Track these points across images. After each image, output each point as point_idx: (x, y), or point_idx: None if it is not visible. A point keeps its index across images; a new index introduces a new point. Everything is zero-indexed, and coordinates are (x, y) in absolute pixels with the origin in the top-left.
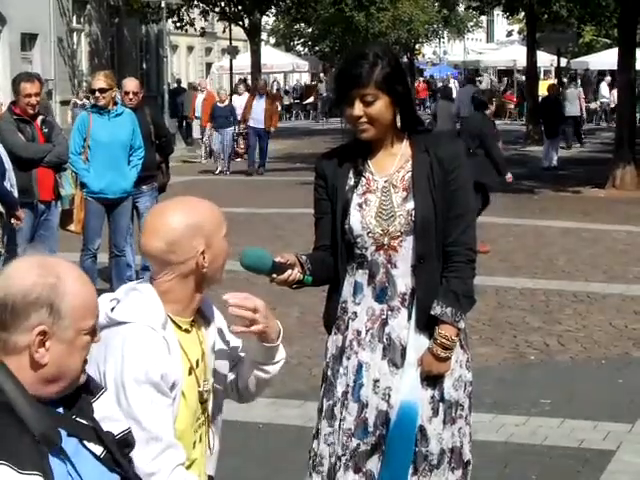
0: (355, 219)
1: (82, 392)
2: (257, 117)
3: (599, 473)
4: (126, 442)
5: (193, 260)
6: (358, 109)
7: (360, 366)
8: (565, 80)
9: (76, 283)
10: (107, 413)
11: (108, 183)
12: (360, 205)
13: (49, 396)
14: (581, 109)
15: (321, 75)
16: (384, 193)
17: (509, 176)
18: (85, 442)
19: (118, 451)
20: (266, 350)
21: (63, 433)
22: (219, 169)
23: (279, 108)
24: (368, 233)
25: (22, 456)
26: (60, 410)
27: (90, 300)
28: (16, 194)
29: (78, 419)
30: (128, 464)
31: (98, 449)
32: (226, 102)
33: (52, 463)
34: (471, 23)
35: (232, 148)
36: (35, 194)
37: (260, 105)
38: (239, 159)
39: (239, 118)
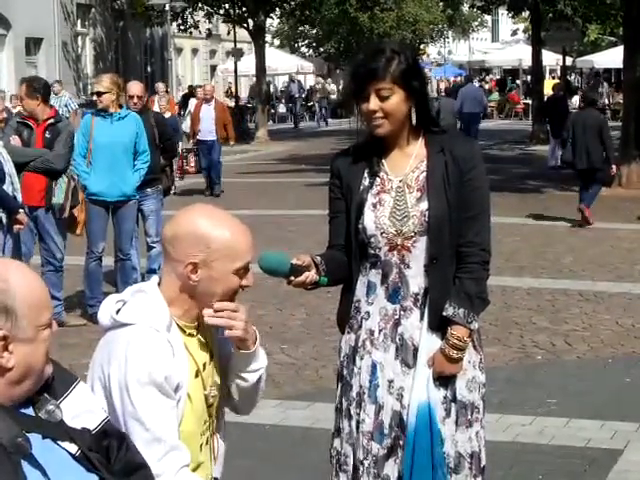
0: (369, 219)
1: (46, 392)
2: (206, 128)
3: (606, 473)
4: (105, 434)
5: (182, 265)
6: (374, 103)
7: (374, 366)
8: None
9: (25, 282)
10: (83, 406)
11: (107, 186)
12: (374, 205)
13: (18, 398)
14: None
15: (293, 75)
16: (398, 193)
17: (614, 168)
18: (59, 442)
19: (94, 448)
20: (243, 357)
21: (38, 436)
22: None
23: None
24: (382, 233)
25: None
26: (30, 411)
27: (41, 295)
28: (20, 198)
29: (49, 419)
30: (105, 459)
31: (73, 447)
32: (167, 114)
33: (26, 470)
34: (476, 23)
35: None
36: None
37: (209, 113)
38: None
39: (187, 131)
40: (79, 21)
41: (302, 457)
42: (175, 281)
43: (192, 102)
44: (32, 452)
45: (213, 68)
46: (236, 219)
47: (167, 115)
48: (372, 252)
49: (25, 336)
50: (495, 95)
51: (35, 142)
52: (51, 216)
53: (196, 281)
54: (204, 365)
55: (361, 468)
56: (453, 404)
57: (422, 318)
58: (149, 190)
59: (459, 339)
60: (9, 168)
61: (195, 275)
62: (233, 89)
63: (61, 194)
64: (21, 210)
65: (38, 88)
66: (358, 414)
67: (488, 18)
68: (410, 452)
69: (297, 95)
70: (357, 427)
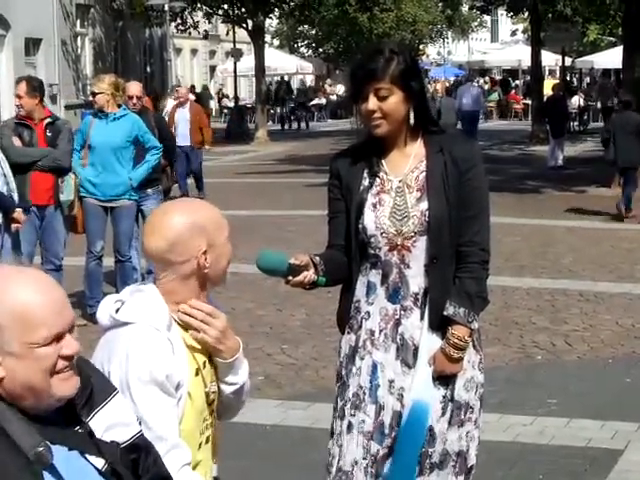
0: (369, 219)
1: (84, 403)
2: (181, 132)
3: (607, 472)
4: (135, 447)
5: (194, 260)
6: (372, 103)
7: (375, 366)
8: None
9: (18, 294)
10: (118, 418)
11: (97, 185)
12: (374, 205)
13: (34, 410)
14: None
15: (285, 77)
16: (398, 193)
17: None
18: (87, 455)
19: (122, 461)
20: (219, 365)
21: (64, 448)
22: None
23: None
24: (382, 233)
25: (12, 478)
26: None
27: (39, 311)
28: (16, 198)
29: (80, 430)
30: (133, 472)
31: (100, 462)
32: None
33: None
34: (475, 23)
35: None
36: (27, 198)
37: (183, 117)
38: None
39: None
40: (78, 21)
41: (302, 457)
42: (182, 281)
43: (170, 103)
44: (54, 463)
45: (212, 68)
46: (193, 199)
47: None
48: (372, 252)
49: (11, 350)
50: (495, 95)
51: (37, 141)
52: (59, 213)
53: (208, 266)
54: (204, 363)
55: (355, 467)
56: (450, 403)
57: (422, 318)
58: (149, 190)
59: (460, 338)
60: (4, 168)
61: (206, 261)
62: (225, 91)
63: (70, 191)
64: (18, 209)
65: (37, 87)
66: (352, 415)
67: (487, 18)
68: (398, 450)
69: (287, 97)
70: (348, 428)
